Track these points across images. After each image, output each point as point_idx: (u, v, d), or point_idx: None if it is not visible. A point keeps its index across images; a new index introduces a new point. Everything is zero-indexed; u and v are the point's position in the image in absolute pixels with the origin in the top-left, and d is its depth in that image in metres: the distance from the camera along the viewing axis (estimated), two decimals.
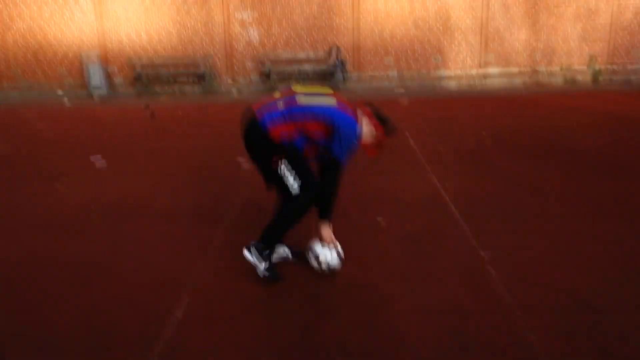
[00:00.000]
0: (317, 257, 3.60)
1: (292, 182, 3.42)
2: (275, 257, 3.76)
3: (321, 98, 3.52)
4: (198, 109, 11.12)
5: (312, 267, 3.63)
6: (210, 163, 6.63)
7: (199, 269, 3.77)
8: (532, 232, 4.21)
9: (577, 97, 11.80)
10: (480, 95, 11.86)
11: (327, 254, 3.59)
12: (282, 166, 3.43)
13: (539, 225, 4.35)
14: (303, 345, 2.82)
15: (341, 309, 3.17)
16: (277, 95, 3.59)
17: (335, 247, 3.62)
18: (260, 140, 3.46)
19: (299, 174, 3.43)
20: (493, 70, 15.54)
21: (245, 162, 6.53)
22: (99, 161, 6.82)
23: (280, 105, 3.47)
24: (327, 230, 3.67)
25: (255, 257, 3.55)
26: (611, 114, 9.53)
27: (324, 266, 3.59)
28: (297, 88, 3.61)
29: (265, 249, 3.57)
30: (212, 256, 3.97)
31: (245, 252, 3.59)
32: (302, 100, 3.47)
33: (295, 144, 3.45)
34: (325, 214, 3.67)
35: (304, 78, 15.25)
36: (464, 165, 6.14)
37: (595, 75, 15.33)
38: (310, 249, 3.66)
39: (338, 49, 15.02)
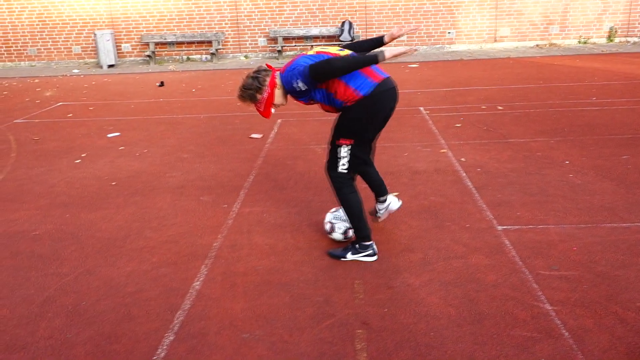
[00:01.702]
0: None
1: None
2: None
3: None
4: (211, 84, 11.11)
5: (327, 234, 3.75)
6: (222, 135, 6.65)
7: (216, 242, 3.82)
8: (549, 206, 4.20)
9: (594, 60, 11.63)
10: (494, 64, 11.71)
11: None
12: None
13: (556, 199, 4.33)
14: (322, 318, 2.86)
15: (358, 282, 3.20)
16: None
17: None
18: None
19: None
20: (508, 44, 15.32)
21: (258, 136, 6.56)
22: (114, 136, 6.89)
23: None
24: None
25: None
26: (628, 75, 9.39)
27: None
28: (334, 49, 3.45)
29: None
30: (229, 229, 4.01)
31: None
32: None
33: None
34: None
35: None
36: (478, 138, 6.11)
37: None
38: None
39: (351, 24, 14.89)
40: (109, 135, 7.09)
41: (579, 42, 15.36)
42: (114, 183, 5.20)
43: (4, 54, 15.58)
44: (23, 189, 5.12)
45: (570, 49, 14.52)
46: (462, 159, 5.43)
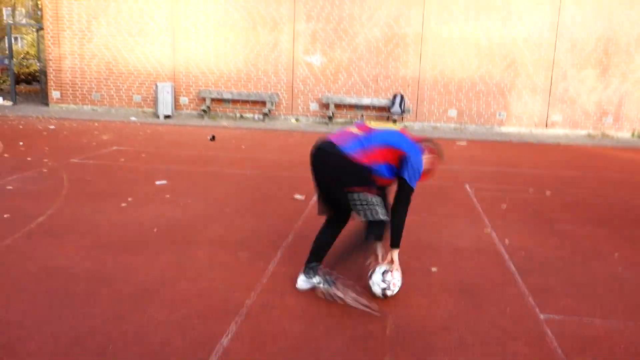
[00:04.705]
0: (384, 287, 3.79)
1: (380, 212, 3.68)
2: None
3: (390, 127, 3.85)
4: (260, 142, 11.35)
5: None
6: (266, 192, 6.71)
7: (249, 300, 3.78)
8: (595, 298, 4.02)
9: None
10: (544, 148, 11.58)
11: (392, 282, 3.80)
12: (356, 195, 3.64)
13: (603, 292, 4.14)
14: None
15: (390, 358, 3.09)
16: (352, 128, 3.82)
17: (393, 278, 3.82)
18: (336, 163, 3.65)
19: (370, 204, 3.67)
20: (559, 131, 15.21)
21: (301, 197, 6.58)
22: (162, 184, 7.04)
23: (358, 133, 3.74)
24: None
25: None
26: None
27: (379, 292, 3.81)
28: (370, 123, 3.88)
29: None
30: (263, 288, 3.97)
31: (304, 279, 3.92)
32: (375, 126, 3.79)
33: (369, 170, 3.64)
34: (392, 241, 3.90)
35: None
36: (524, 221, 5.97)
37: None
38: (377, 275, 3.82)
39: (402, 97, 15.12)
40: (157, 183, 7.26)
41: (633, 135, 15.12)
42: (155, 230, 5.26)
43: (69, 96, 16.38)
44: (68, 227, 5.24)
45: (623, 141, 14.29)
46: (506, 241, 5.30)
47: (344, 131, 3.80)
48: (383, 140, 3.68)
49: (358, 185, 3.63)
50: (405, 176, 3.68)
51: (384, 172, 3.70)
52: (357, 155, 3.60)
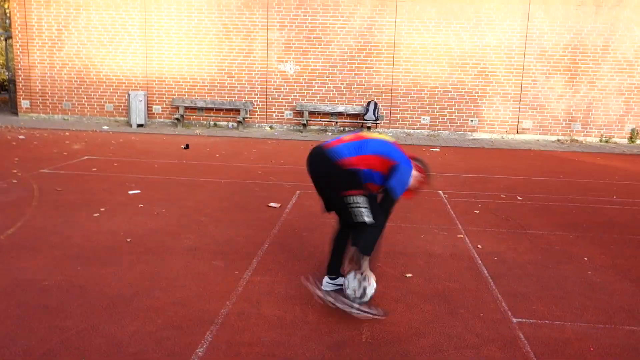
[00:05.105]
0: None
1: (365, 213, 3.68)
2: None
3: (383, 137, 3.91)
4: (234, 150, 11.31)
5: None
6: (241, 201, 6.69)
7: (224, 309, 3.76)
8: (566, 302, 4.10)
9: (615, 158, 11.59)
10: (516, 154, 11.77)
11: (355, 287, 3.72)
12: (355, 198, 3.68)
13: (574, 295, 4.23)
14: None
15: None
16: (346, 136, 3.92)
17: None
18: (330, 169, 3.74)
19: (372, 208, 3.74)
20: (530, 137, 15.48)
21: (276, 205, 6.59)
22: (135, 193, 6.97)
23: (350, 139, 3.85)
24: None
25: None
26: None
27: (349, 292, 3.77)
28: (363, 132, 3.99)
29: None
30: (238, 297, 3.96)
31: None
32: (369, 136, 3.86)
33: (360, 175, 3.72)
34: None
35: (341, 130, 15.50)
36: (496, 226, 6.06)
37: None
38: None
39: (376, 104, 15.23)
40: (130, 192, 7.18)
41: (601, 140, 15.47)
42: (129, 240, 5.21)
43: (39, 106, 16.13)
44: (39, 238, 5.15)
45: (591, 146, 14.60)
46: (479, 246, 5.37)
47: (338, 138, 3.91)
48: (375, 148, 3.75)
49: (350, 189, 3.68)
50: (392, 185, 3.71)
51: (374, 178, 3.76)
52: (348, 160, 3.69)
